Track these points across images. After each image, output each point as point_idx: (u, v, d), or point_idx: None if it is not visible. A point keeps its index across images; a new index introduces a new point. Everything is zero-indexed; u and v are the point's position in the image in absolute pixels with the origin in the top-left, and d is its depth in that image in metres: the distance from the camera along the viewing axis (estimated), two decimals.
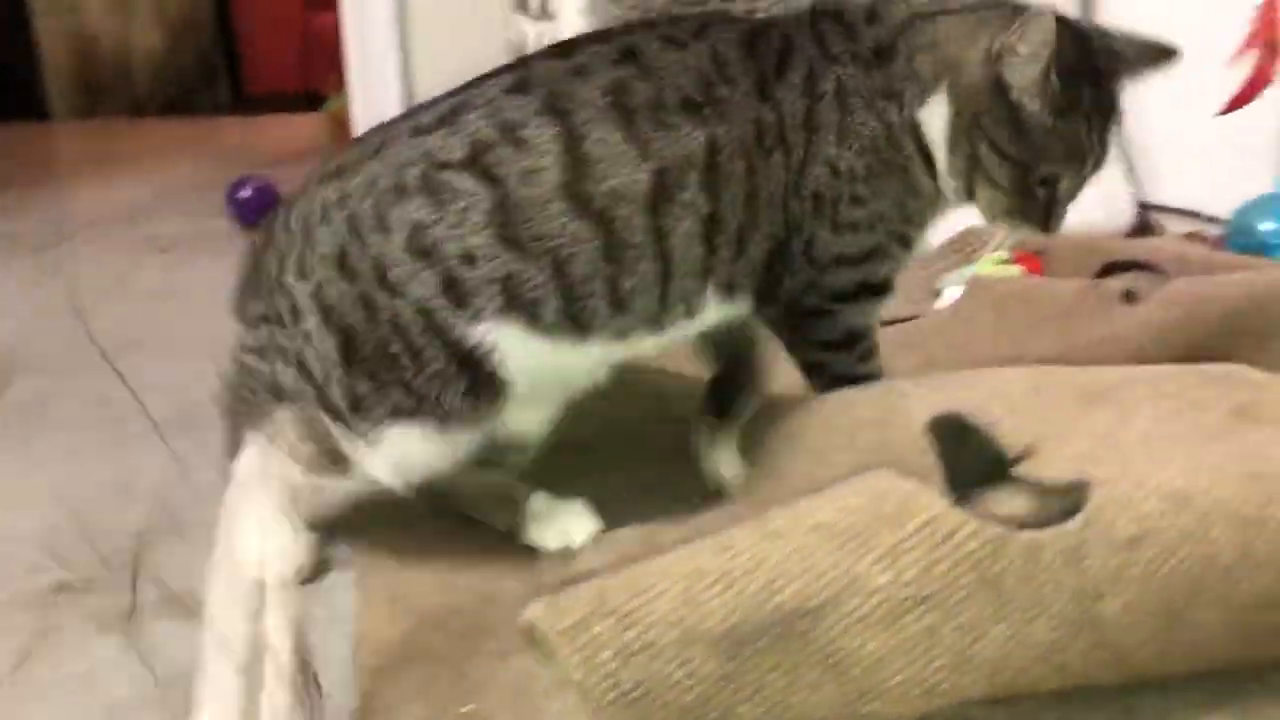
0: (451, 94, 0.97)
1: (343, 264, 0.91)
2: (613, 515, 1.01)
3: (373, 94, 2.97)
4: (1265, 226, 1.70)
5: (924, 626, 0.64)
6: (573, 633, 0.64)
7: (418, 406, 0.91)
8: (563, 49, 0.98)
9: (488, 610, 0.92)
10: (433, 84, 3.24)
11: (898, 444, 0.84)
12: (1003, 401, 0.84)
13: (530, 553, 0.99)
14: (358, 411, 0.92)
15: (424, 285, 0.89)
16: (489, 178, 0.89)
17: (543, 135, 0.90)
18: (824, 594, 0.64)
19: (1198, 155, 2.01)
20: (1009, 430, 0.81)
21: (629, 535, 0.94)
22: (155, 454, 1.27)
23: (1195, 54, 1.86)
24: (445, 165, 0.90)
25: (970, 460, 0.82)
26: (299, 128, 3.83)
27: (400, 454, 0.93)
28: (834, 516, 0.67)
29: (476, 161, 0.90)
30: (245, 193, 2.51)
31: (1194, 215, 2.05)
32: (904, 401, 0.87)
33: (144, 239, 2.47)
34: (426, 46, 2.95)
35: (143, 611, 0.95)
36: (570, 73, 0.94)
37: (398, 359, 0.90)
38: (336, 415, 0.93)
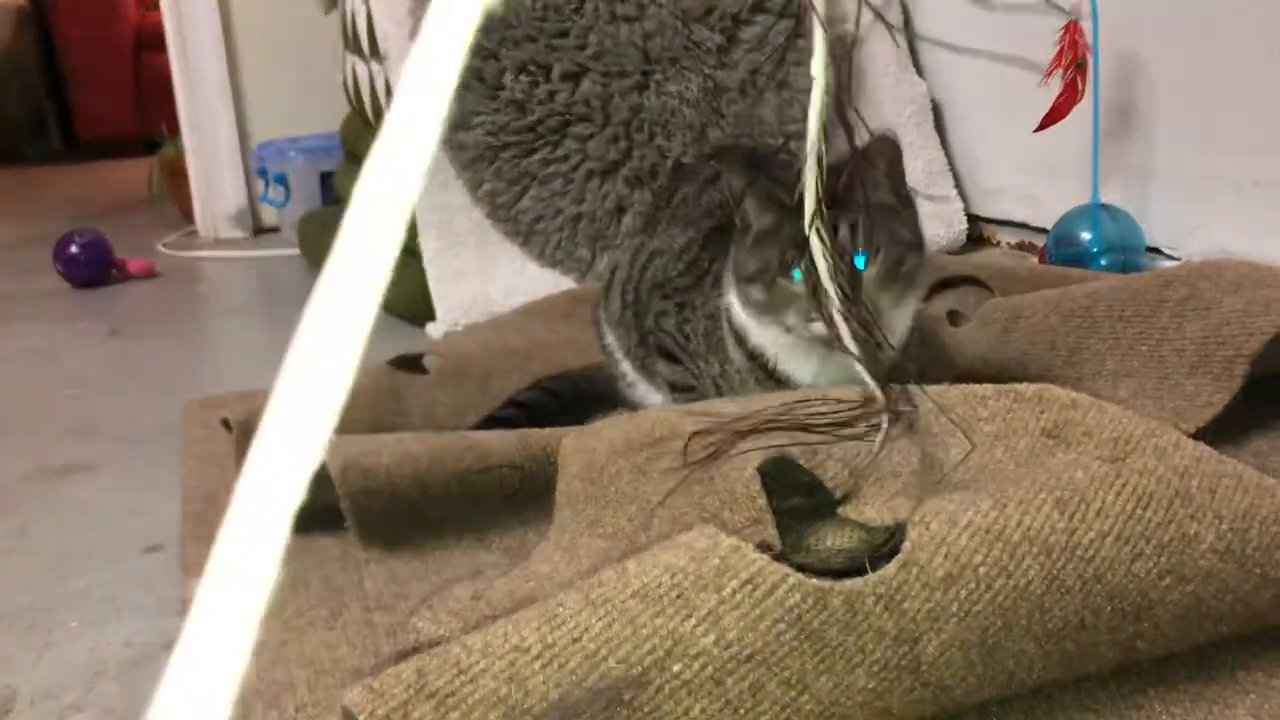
0: None
1: None
2: (441, 565, 1.00)
3: (206, 136, 2.89)
4: (1083, 236, 1.77)
5: (749, 685, 0.63)
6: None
7: None
8: None
9: (321, 683, 0.89)
10: (266, 124, 3.16)
11: (729, 479, 0.84)
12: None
13: (366, 621, 0.96)
14: None
15: None
16: None
17: None
18: (648, 661, 0.63)
19: (1021, 169, 2.10)
20: (834, 469, 0.82)
21: (460, 594, 0.92)
22: None
23: (1015, 72, 1.95)
24: None
25: (798, 503, 0.83)
26: (134, 174, 3.69)
27: None
28: (656, 579, 0.66)
29: None
30: (74, 248, 2.40)
31: (1022, 226, 2.13)
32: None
33: None
34: (258, 86, 2.88)
35: None
36: None
37: None
38: None
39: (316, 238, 2.36)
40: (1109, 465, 0.77)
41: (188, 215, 2.98)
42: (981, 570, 0.68)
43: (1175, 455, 0.79)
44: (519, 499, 1.08)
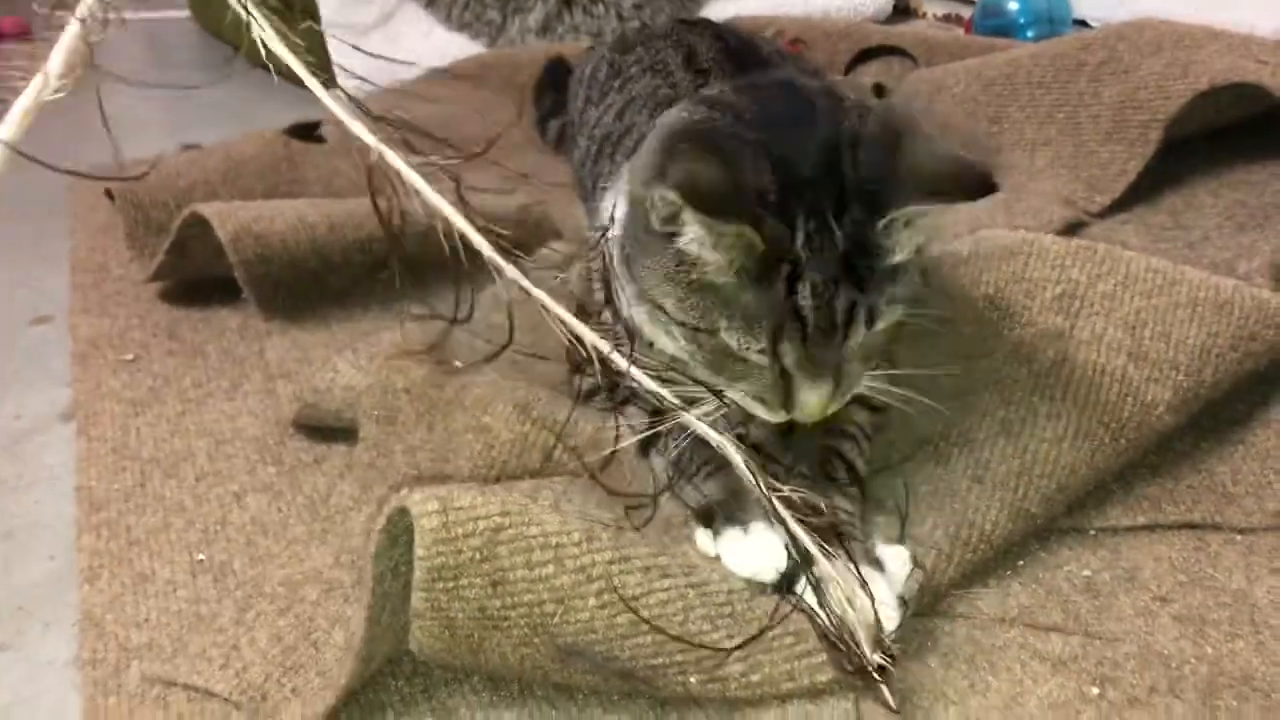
0: None
1: None
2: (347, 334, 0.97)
3: None
4: (1011, 7, 1.73)
5: None
6: None
7: None
8: None
9: (222, 452, 0.87)
10: None
11: None
12: None
13: (268, 391, 0.94)
14: None
15: None
16: None
17: None
18: None
19: None
20: None
21: (387, 338, 0.89)
22: None
23: None
24: None
25: None
26: None
27: None
28: None
29: None
30: None
31: None
32: None
33: None
34: None
35: None
36: None
37: None
38: None
39: (210, 2, 2.21)
40: (1056, 347, 0.76)
41: None
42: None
43: (1126, 301, 0.77)
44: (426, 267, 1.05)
